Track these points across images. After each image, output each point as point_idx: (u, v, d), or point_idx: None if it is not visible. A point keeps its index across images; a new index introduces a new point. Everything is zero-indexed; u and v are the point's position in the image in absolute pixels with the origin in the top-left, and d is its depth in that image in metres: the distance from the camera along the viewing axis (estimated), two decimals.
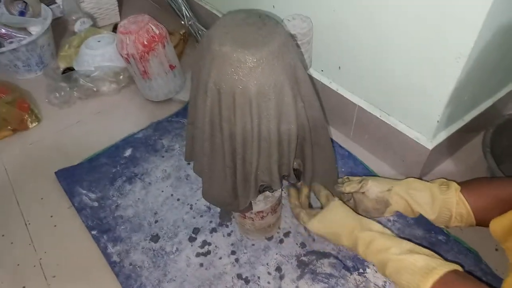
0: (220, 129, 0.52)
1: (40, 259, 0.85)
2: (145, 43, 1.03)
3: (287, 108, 0.50)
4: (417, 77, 0.75)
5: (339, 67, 0.93)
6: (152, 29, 1.05)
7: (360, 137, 1.00)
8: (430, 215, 0.70)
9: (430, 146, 0.83)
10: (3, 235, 0.90)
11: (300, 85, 0.51)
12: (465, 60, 0.65)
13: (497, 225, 0.57)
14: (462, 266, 0.57)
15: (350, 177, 0.81)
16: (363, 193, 0.77)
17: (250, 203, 0.68)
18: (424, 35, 0.69)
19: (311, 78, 0.58)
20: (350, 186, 0.77)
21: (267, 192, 0.74)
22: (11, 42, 1.20)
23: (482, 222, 0.65)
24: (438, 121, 0.78)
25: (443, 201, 0.68)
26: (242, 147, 0.52)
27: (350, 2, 0.78)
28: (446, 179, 0.72)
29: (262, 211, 0.74)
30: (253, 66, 0.46)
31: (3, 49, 1.18)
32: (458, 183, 0.69)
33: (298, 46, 0.80)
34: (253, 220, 0.76)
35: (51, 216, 0.93)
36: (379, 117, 0.89)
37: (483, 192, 0.66)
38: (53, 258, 0.86)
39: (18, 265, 0.85)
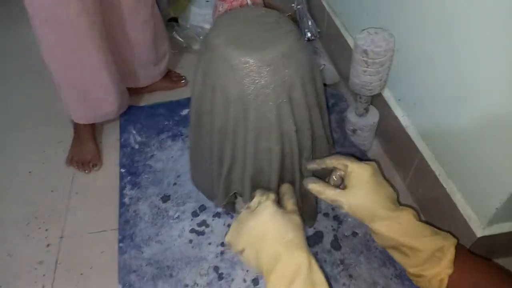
0: (203, 122, 0.49)
1: (74, 173, 0.97)
2: None
3: (269, 125, 0.44)
4: (490, 148, 0.60)
5: (415, 103, 0.80)
6: (247, 3, 1.04)
7: (414, 187, 0.86)
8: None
9: (479, 233, 0.67)
10: (59, 142, 1.04)
11: (294, 107, 0.45)
12: None
13: None
14: None
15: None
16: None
17: (233, 204, 0.65)
18: (503, 105, 0.54)
19: (313, 105, 0.49)
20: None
21: None
22: None
23: None
24: (497, 208, 0.62)
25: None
26: (218, 148, 0.49)
27: (441, 34, 0.65)
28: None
29: None
30: (236, 68, 0.41)
31: None
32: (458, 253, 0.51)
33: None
34: None
35: (100, 142, 1.04)
36: (437, 175, 0.75)
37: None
38: (83, 178, 0.96)
39: (58, 171, 0.97)
